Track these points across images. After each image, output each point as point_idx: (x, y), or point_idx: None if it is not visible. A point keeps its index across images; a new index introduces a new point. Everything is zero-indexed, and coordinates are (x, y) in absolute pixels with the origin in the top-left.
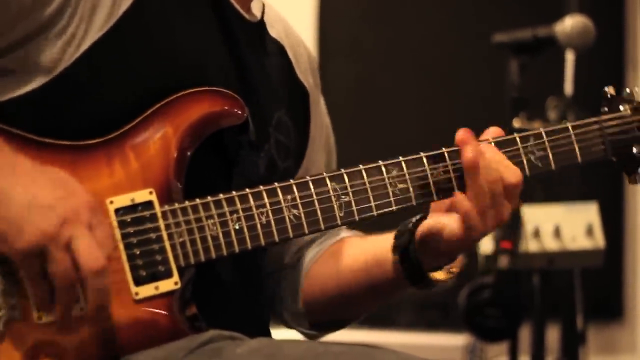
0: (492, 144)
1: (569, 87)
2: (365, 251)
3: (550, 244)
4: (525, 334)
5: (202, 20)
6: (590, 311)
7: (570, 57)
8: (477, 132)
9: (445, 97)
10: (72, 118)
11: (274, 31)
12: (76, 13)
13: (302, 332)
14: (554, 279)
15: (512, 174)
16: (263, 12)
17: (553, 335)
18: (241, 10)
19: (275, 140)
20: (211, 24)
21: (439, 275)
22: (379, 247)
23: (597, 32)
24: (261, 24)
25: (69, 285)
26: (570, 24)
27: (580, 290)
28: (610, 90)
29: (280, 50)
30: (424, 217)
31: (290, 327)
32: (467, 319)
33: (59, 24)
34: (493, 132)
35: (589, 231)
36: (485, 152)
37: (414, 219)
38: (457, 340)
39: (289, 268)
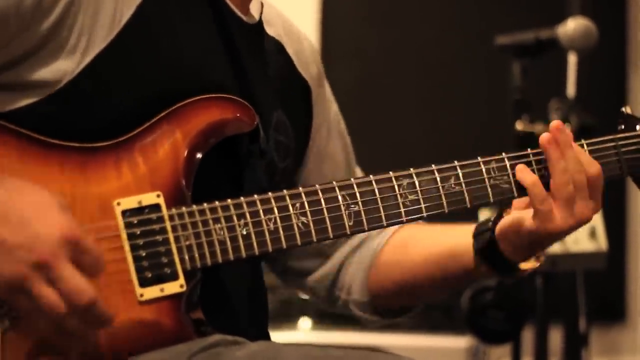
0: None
1: (571, 89)
2: (439, 243)
3: (553, 246)
4: (528, 336)
5: (202, 25)
6: (593, 313)
7: (572, 59)
8: (480, 134)
9: (447, 100)
10: (78, 127)
11: (272, 30)
12: (76, 24)
13: (363, 319)
14: (557, 281)
15: (593, 166)
16: (261, 13)
17: (556, 338)
18: (239, 13)
19: (275, 141)
20: (211, 29)
21: (528, 264)
22: (454, 240)
23: (600, 34)
24: (260, 25)
25: (64, 316)
26: (572, 26)
27: (583, 292)
28: (627, 109)
29: (279, 48)
30: (501, 215)
31: (345, 312)
32: (470, 321)
33: (59, 37)
34: None
35: (592, 233)
36: (571, 144)
37: (492, 217)
38: (460, 342)
39: (348, 258)
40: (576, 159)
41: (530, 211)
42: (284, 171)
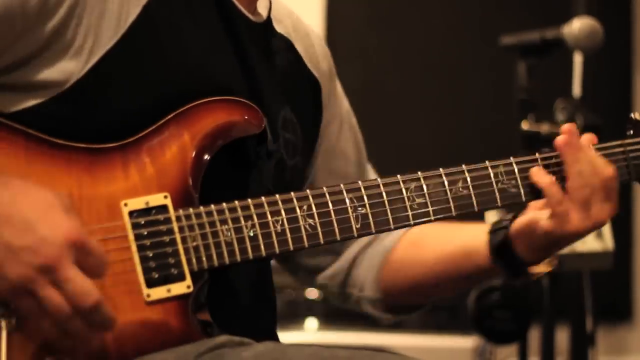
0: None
1: (577, 89)
2: (452, 242)
3: None
4: (534, 336)
5: (208, 25)
6: (600, 313)
7: (578, 59)
8: (485, 135)
9: (453, 100)
10: (85, 127)
11: (281, 27)
12: (81, 25)
13: (376, 316)
14: (563, 281)
15: (607, 167)
16: (270, 10)
17: (562, 337)
18: (246, 13)
19: (283, 140)
20: (218, 29)
21: (540, 268)
22: (467, 239)
23: (605, 34)
24: (268, 23)
25: (69, 318)
26: (578, 26)
27: (590, 292)
28: (636, 115)
29: (288, 45)
30: (517, 215)
31: (357, 309)
32: (476, 321)
33: (65, 37)
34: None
35: (598, 233)
36: (584, 147)
37: (508, 217)
38: (466, 342)
39: (359, 255)
40: (591, 162)
41: (546, 212)
42: (294, 169)
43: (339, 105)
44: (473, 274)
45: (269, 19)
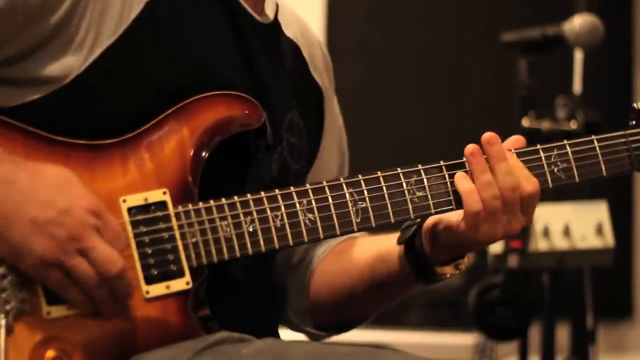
0: (514, 153)
1: (577, 86)
2: (371, 248)
3: (560, 243)
4: (535, 333)
5: (213, 23)
6: (600, 310)
7: (578, 56)
8: (486, 130)
9: (453, 97)
10: (85, 122)
11: (289, 31)
12: (84, 19)
13: (307, 333)
14: (564, 278)
15: (530, 183)
16: (277, 13)
17: (563, 334)
18: (252, 13)
19: (287, 142)
20: (222, 27)
21: (446, 269)
22: (384, 244)
23: (606, 31)
24: (275, 25)
25: (97, 285)
26: (578, 22)
27: (590, 289)
28: (638, 105)
29: (295, 50)
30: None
31: (295, 328)
32: (476, 318)
33: (67, 32)
34: (515, 140)
35: (599, 230)
36: (505, 158)
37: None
38: (466, 339)
39: (296, 265)
40: (507, 174)
41: (461, 212)
42: (298, 173)
43: (334, 122)
44: (387, 280)
45: (276, 21)
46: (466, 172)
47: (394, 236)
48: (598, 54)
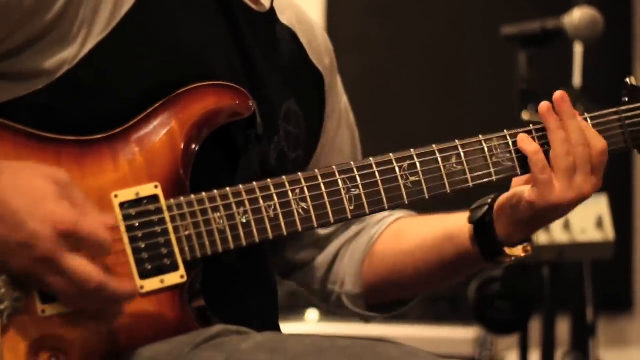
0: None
1: (577, 79)
2: (435, 228)
3: (560, 237)
4: (535, 327)
5: (205, 14)
6: (600, 303)
7: (578, 49)
8: (485, 123)
9: (453, 90)
10: (76, 117)
11: (284, 17)
12: (77, 16)
13: (359, 314)
14: (564, 272)
15: (599, 141)
16: (273, 1)
17: (563, 328)
18: (248, 2)
19: (284, 132)
20: (215, 18)
21: (516, 251)
22: (450, 223)
23: (605, 24)
24: (271, 13)
25: (80, 298)
26: (578, 16)
27: (590, 282)
28: (631, 80)
29: (291, 36)
30: (501, 194)
31: (339, 309)
32: (477, 312)
33: (61, 28)
34: (560, 95)
35: (599, 223)
36: (576, 115)
37: (491, 196)
38: (467, 333)
39: (342, 249)
40: (580, 131)
41: (527, 186)
42: (296, 162)
43: (338, 101)
44: (454, 259)
45: (272, 8)
46: (459, 155)
47: (462, 215)
48: (598, 47)
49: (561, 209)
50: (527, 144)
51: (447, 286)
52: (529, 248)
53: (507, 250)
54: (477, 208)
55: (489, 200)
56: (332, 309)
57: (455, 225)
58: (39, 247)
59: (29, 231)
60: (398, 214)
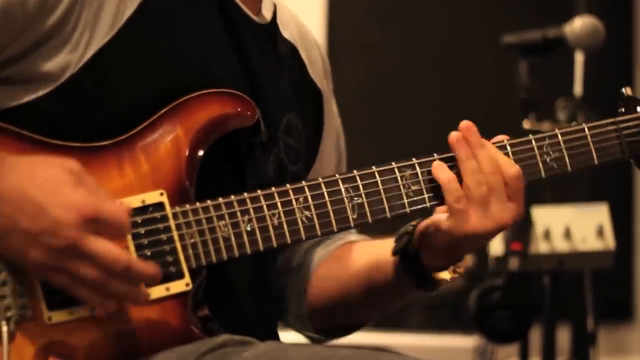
0: (507, 145)
1: (578, 88)
2: (367, 255)
3: (561, 245)
4: (535, 336)
5: (208, 23)
6: (601, 312)
7: (579, 58)
8: (486, 132)
9: (454, 98)
10: (80, 123)
11: (287, 32)
12: (80, 20)
13: (306, 336)
14: (565, 280)
15: (512, 166)
16: (275, 14)
17: (563, 337)
18: (249, 13)
19: (284, 144)
20: (217, 27)
21: (444, 275)
22: (380, 251)
23: (606, 33)
24: (272, 26)
25: (107, 282)
26: (579, 24)
27: (591, 291)
28: (627, 91)
29: (292, 51)
30: (424, 218)
31: (295, 329)
32: (477, 320)
33: (63, 33)
34: (502, 138)
35: (600, 232)
36: (484, 144)
37: (413, 222)
38: (467, 341)
39: (295, 270)
40: (490, 160)
41: (445, 214)
42: (295, 175)
43: (332, 123)
44: (385, 288)
45: (274, 21)
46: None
47: (387, 242)
48: (599, 56)
49: (480, 238)
50: (441, 172)
51: (384, 312)
52: (458, 269)
53: (436, 275)
54: (400, 237)
55: (410, 229)
56: (285, 326)
57: (383, 253)
58: (63, 233)
59: (52, 218)
60: (352, 237)
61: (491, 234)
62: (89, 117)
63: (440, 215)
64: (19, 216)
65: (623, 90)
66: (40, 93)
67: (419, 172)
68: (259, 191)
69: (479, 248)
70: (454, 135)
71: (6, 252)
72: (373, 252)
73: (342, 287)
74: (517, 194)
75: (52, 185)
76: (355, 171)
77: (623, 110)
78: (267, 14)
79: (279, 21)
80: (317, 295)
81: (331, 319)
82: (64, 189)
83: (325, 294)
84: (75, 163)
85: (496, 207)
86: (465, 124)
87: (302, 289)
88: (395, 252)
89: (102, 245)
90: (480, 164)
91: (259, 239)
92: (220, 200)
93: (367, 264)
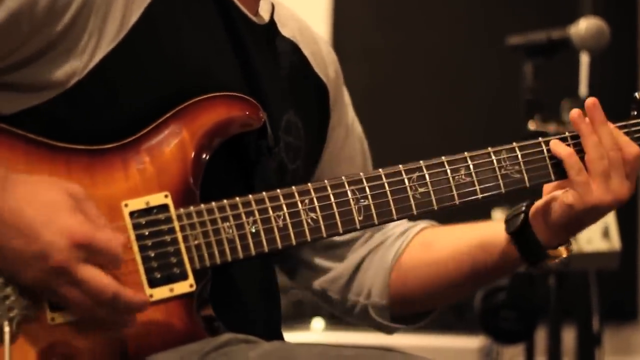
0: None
1: (583, 89)
2: (466, 238)
3: None
4: (541, 336)
5: (209, 27)
6: (606, 313)
7: (584, 59)
8: (491, 133)
9: (459, 101)
10: (87, 127)
11: (286, 30)
12: (87, 27)
13: (384, 326)
14: (570, 281)
15: (632, 146)
16: (273, 13)
17: (569, 337)
18: (248, 14)
19: (284, 143)
20: (219, 30)
21: (561, 251)
22: (482, 232)
23: (612, 34)
24: (271, 25)
25: (93, 309)
26: (584, 26)
27: (596, 292)
28: (639, 95)
29: (293, 48)
30: (534, 201)
31: (363, 321)
32: (482, 321)
33: (70, 39)
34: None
35: (605, 233)
36: (606, 122)
37: (524, 203)
38: (472, 342)
39: (366, 260)
40: (612, 137)
41: (563, 191)
42: (295, 173)
43: (345, 113)
44: (489, 268)
45: (272, 21)
46: (468, 167)
47: (492, 224)
48: (604, 57)
49: (599, 212)
50: (560, 147)
51: (472, 294)
52: (571, 247)
53: (551, 252)
54: (513, 218)
55: (523, 208)
56: (354, 319)
57: (487, 234)
58: (54, 257)
59: (45, 242)
60: (422, 224)
61: (610, 208)
62: (94, 121)
63: (555, 193)
64: (12, 237)
65: (636, 94)
66: (46, 98)
67: (426, 175)
68: (263, 193)
69: (592, 224)
70: (575, 112)
71: (3, 264)
72: (475, 235)
73: (439, 272)
74: (634, 172)
75: (50, 208)
76: (361, 174)
77: (635, 113)
78: (264, 14)
79: (277, 20)
80: (405, 283)
81: (418, 305)
82: (61, 214)
83: (418, 280)
84: (77, 187)
85: (616, 182)
86: (591, 100)
87: (385, 279)
88: (510, 230)
89: (91, 274)
90: (602, 140)
91: (264, 240)
92: (225, 202)
93: (469, 246)
